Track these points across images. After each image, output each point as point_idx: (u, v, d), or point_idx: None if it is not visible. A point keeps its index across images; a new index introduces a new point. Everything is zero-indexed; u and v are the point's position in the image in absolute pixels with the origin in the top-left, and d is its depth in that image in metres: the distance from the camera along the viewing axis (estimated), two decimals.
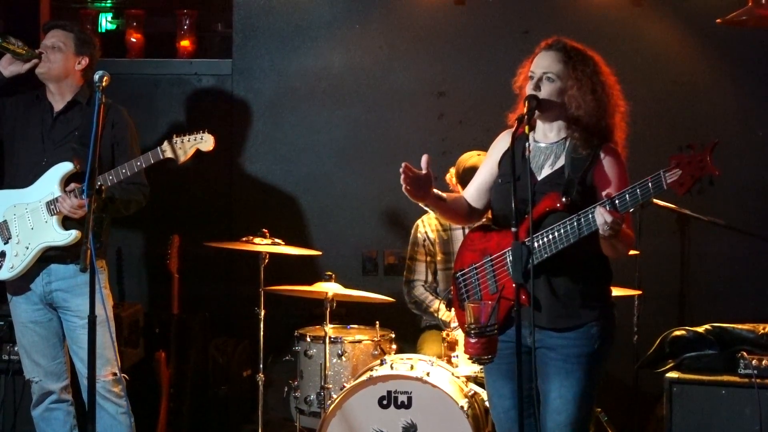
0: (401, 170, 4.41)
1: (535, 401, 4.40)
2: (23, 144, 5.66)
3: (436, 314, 6.42)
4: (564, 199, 4.28)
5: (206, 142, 5.44)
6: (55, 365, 5.72)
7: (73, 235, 5.46)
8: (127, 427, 5.68)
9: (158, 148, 5.41)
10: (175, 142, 5.41)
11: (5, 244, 5.57)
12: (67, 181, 5.48)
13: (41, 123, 5.67)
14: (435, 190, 4.54)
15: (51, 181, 5.50)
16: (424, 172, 4.46)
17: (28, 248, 5.52)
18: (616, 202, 4.07)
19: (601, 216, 4.05)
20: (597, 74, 4.42)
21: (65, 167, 5.50)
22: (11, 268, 5.54)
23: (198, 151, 5.43)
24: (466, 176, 5.91)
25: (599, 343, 4.38)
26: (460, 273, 4.63)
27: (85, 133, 5.48)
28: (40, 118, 5.68)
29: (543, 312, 4.34)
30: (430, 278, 6.55)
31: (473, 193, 4.74)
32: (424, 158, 4.48)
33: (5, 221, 5.58)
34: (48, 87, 5.71)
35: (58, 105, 5.69)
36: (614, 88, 4.47)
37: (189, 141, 5.41)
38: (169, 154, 5.41)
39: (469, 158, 6.19)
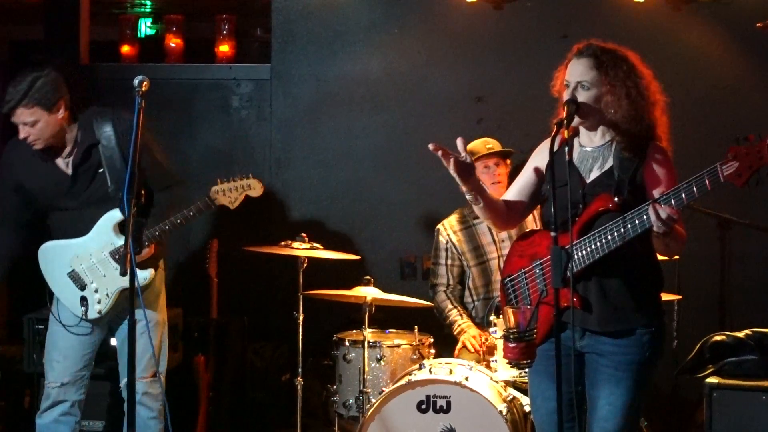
0: (439, 154, 4.36)
1: (575, 405, 4.38)
2: (58, 202, 5.65)
3: (452, 325, 6.40)
4: (616, 199, 4.27)
5: (254, 189, 5.54)
6: (81, 375, 5.72)
7: (147, 276, 5.56)
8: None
9: (207, 198, 5.51)
10: (222, 191, 5.49)
11: (82, 290, 5.61)
12: (120, 225, 5.53)
13: (64, 178, 5.62)
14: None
15: (105, 231, 5.57)
16: (462, 155, 4.38)
17: (108, 295, 5.59)
18: (672, 200, 4.04)
19: (655, 213, 4.02)
20: (630, 75, 4.37)
21: (115, 215, 5.55)
22: (99, 312, 5.60)
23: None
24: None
25: (650, 351, 4.36)
26: (508, 279, 4.63)
27: (111, 164, 5.50)
28: (62, 174, 5.63)
29: (593, 314, 4.33)
30: (452, 282, 6.52)
31: (512, 197, 4.70)
32: (460, 141, 4.40)
33: (74, 270, 5.62)
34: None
35: (70, 153, 5.62)
36: (651, 84, 4.42)
37: (237, 189, 5.51)
38: (219, 203, 5.52)
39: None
